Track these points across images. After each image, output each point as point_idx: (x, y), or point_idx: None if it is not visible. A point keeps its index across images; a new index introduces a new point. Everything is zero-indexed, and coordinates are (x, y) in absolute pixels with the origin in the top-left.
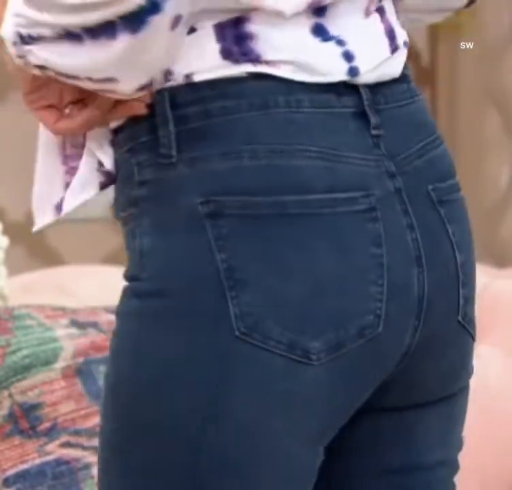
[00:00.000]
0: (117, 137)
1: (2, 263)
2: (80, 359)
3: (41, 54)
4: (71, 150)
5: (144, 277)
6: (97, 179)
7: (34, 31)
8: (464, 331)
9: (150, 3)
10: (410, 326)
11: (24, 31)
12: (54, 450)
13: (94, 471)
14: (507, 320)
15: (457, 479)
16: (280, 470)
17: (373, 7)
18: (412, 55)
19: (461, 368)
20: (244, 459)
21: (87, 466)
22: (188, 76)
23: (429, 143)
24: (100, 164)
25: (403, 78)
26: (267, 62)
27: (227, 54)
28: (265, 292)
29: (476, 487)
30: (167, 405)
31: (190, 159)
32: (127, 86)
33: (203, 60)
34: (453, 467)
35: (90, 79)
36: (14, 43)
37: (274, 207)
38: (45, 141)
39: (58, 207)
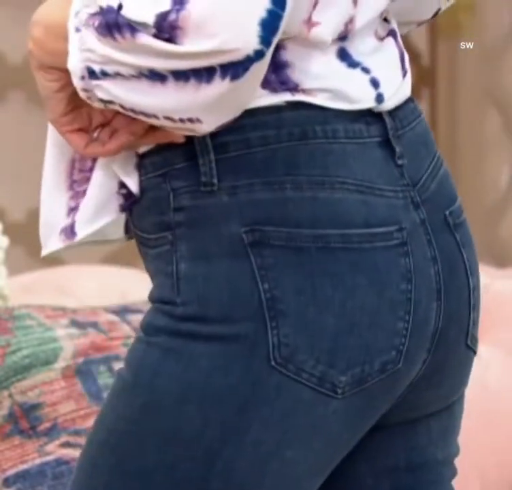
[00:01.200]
0: (144, 161)
1: (2, 263)
2: (80, 359)
3: (113, 90)
4: (79, 175)
5: (180, 301)
6: (116, 201)
7: (110, 68)
8: (469, 352)
9: (256, 52)
10: (422, 359)
11: (96, 67)
12: (54, 450)
13: None
14: (507, 320)
15: (458, 480)
16: None
17: (382, 30)
18: (412, 55)
19: (462, 384)
20: (251, 482)
21: None
22: None
23: (436, 163)
24: (120, 186)
25: (410, 97)
26: (304, 91)
27: (265, 83)
28: (303, 325)
29: (477, 487)
30: (191, 418)
31: (231, 188)
32: (210, 126)
33: None
34: (452, 470)
35: (169, 119)
36: (82, 78)
37: (317, 240)
38: (51, 166)
39: (68, 233)
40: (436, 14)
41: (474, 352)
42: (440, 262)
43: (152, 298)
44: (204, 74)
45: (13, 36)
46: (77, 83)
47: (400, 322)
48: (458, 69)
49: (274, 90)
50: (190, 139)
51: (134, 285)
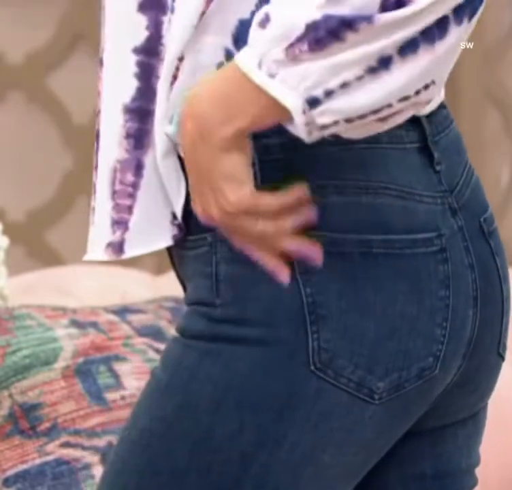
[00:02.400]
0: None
1: (2, 263)
2: (80, 359)
3: (341, 105)
4: (119, 186)
5: (219, 303)
6: (169, 232)
7: (334, 82)
8: (500, 359)
9: None
10: (457, 365)
11: (318, 91)
12: (54, 450)
13: (95, 471)
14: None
15: None
16: None
17: None
18: None
19: (490, 392)
20: (286, 486)
21: (87, 466)
22: None
23: (468, 170)
24: (173, 217)
25: (441, 103)
26: None
27: None
28: (344, 330)
29: (478, 485)
30: (227, 421)
31: (273, 190)
32: (438, 87)
33: None
34: (473, 479)
35: (405, 98)
36: (303, 112)
37: (360, 246)
38: (101, 169)
39: (116, 248)
40: None
41: (503, 360)
42: (476, 269)
43: (189, 300)
44: (435, 31)
45: (13, 36)
46: (299, 119)
47: (438, 328)
48: (458, 69)
49: None
50: None
51: (134, 285)
